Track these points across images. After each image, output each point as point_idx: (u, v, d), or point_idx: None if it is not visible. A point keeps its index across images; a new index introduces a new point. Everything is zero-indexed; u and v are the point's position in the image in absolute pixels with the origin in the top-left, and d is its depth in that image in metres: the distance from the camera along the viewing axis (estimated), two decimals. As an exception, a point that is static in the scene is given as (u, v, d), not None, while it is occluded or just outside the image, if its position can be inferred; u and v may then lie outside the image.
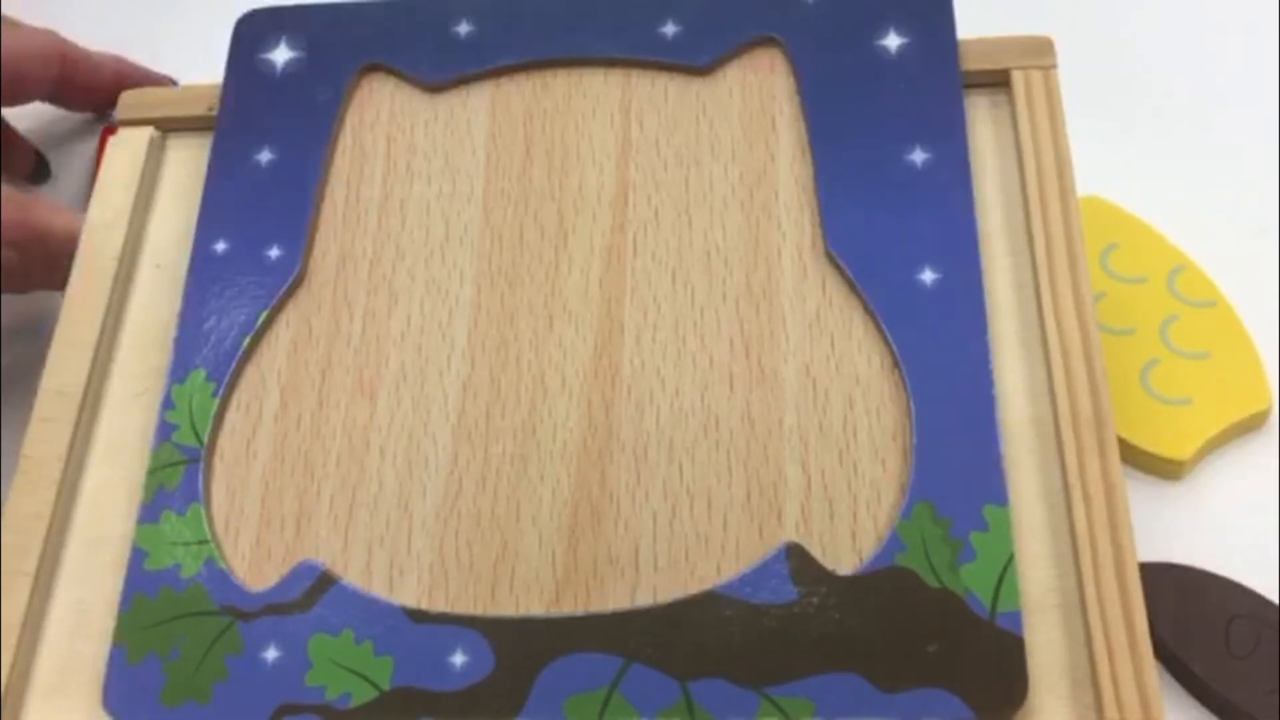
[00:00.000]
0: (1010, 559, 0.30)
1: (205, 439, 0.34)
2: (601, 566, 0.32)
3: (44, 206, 0.42)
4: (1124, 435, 0.38)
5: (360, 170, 0.38)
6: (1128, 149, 0.46)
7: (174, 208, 0.39)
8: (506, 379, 0.34)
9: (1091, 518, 0.31)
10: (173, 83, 0.50)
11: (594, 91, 0.39)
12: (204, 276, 0.36)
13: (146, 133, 0.40)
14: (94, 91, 0.49)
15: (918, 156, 0.36)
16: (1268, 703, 0.35)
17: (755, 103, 0.38)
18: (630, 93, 0.38)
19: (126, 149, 0.40)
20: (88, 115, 0.52)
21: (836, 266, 0.35)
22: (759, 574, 0.31)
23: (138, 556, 0.33)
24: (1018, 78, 0.37)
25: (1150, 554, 0.36)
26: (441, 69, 0.39)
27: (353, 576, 0.32)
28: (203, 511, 0.33)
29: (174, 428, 0.34)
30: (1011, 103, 0.37)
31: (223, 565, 0.32)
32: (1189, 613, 0.37)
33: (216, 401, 0.35)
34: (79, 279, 0.37)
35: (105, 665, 0.32)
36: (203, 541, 0.33)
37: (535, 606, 0.31)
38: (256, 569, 0.33)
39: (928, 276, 0.34)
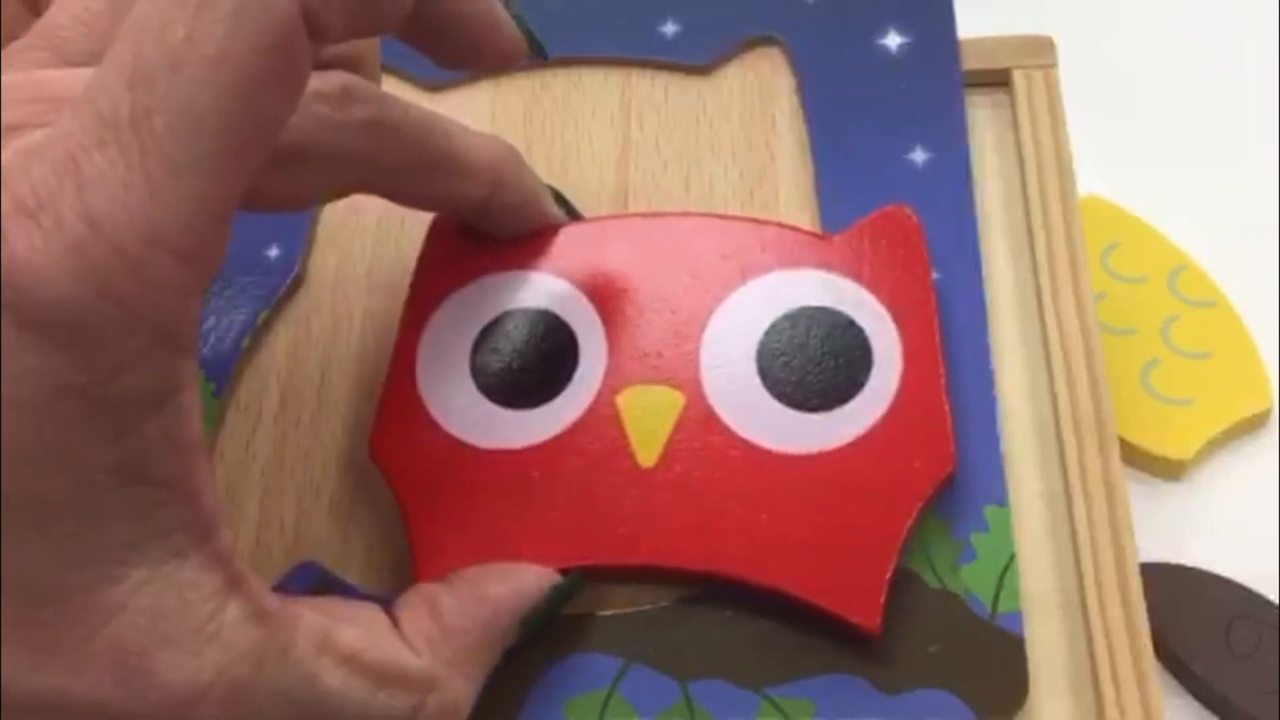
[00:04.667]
0: (1011, 559, 0.30)
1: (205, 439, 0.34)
2: (602, 567, 0.32)
3: None
4: (1124, 435, 0.38)
5: (360, 170, 0.38)
6: (1128, 149, 0.46)
7: (174, 208, 0.39)
8: (507, 379, 0.35)
9: (1092, 518, 0.31)
10: None
11: (594, 91, 0.39)
12: (204, 276, 0.36)
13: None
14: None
15: (918, 156, 0.36)
16: (1268, 703, 0.35)
17: (755, 103, 0.38)
18: (630, 92, 0.38)
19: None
20: None
21: (837, 266, 0.35)
22: (760, 574, 0.31)
23: (137, 557, 0.33)
24: (1018, 77, 0.37)
25: (1150, 554, 0.36)
26: (442, 69, 0.39)
27: (353, 576, 0.32)
28: (203, 512, 0.33)
29: (174, 428, 0.34)
30: (1012, 103, 0.37)
31: (223, 565, 0.32)
32: (1189, 613, 0.37)
33: (217, 401, 0.35)
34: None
35: (105, 666, 0.32)
36: (202, 542, 0.33)
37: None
38: (256, 569, 0.32)
39: (928, 276, 0.34)
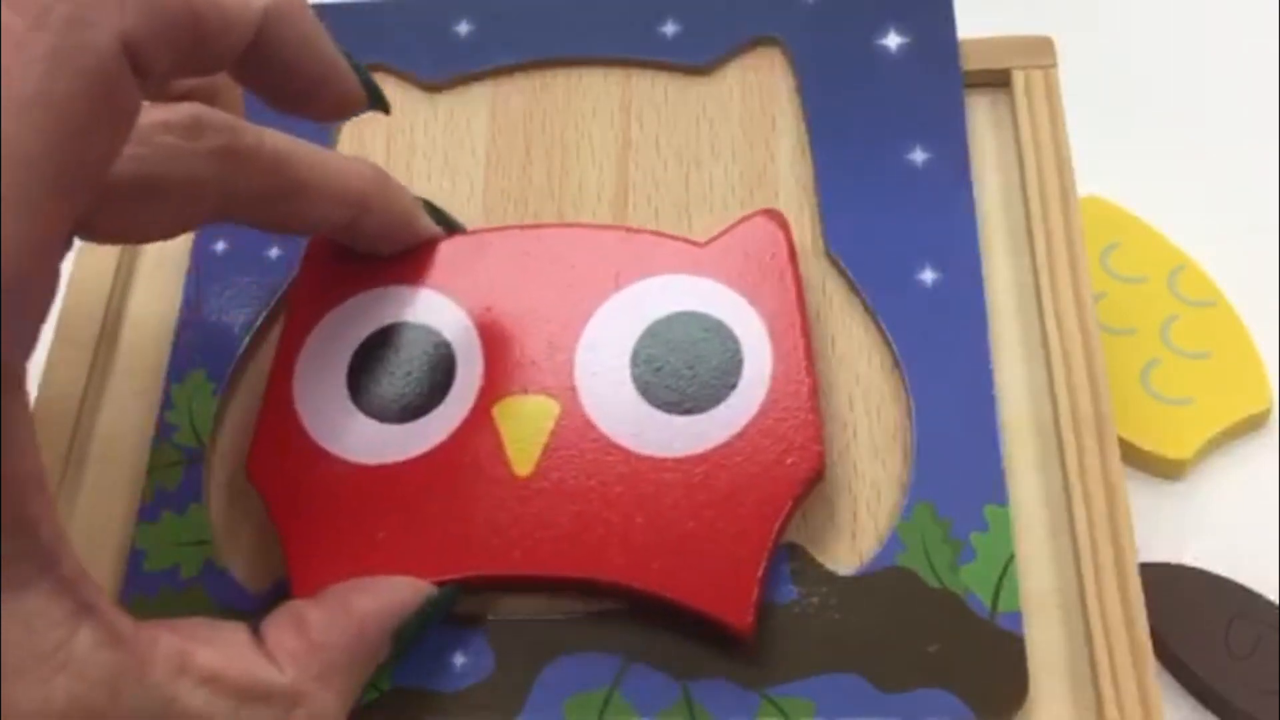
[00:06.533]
0: (1010, 559, 0.30)
1: (205, 439, 0.34)
2: (601, 566, 0.32)
3: None
4: (1124, 435, 0.38)
5: (360, 170, 0.38)
6: (1128, 149, 0.46)
7: (174, 208, 0.39)
8: (507, 379, 0.35)
9: (1091, 518, 0.31)
10: None
11: (594, 91, 0.39)
12: (204, 276, 0.36)
13: (146, 133, 0.40)
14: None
15: (918, 156, 0.36)
16: (1268, 703, 0.35)
17: (755, 103, 0.38)
18: (630, 92, 0.38)
19: (126, 149, 0.40)
20: None
21: (836, 266, 0.35)
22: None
23: (137, 557, 0.33)
24: (1018, 78, 0.37)
25: (1150, 554, 0.36)
26: (441, 68, 0.39)
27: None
28: (203, 511, 0.33)
29: (174, 428, 0.34)
30: (1011, 103, 0.37)
31: (222, 566, 0.32)
32: (1189, 613, 0.37)
33: (216, 401, 0.35)
34: (78, 279, 0.37)
35: (105, 665, 0.32)
36: (202, 542, 0.33)
37: (535, 607, 0.31)
38: (256, 569, 0.33)
39: (928, 276, 0.34)
